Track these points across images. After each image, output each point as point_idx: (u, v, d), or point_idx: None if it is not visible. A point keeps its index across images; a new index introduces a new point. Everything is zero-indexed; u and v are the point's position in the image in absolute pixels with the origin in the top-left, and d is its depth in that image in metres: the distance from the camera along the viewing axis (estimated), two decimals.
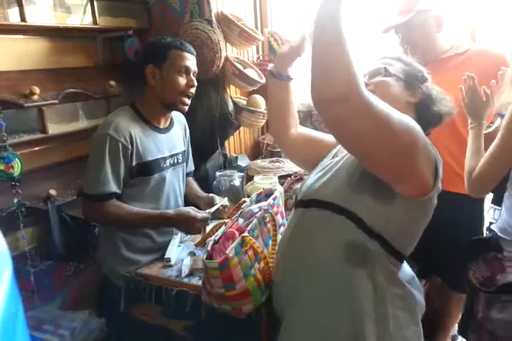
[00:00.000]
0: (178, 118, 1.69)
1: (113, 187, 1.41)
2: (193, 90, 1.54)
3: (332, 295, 0.96)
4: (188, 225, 1.46)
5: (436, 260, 1.36)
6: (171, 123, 1.64)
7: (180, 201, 1.69)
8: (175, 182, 1.64)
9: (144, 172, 1.49)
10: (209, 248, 1.11)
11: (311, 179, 1.09)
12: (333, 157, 1.11)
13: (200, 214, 1.47)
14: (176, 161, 1.62)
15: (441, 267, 1.76)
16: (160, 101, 1.52)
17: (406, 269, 1.07)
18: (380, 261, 0.96)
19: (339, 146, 1.12)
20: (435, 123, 1.10)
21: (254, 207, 1.27)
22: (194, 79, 1.54)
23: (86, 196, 1.45)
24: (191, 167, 1.83)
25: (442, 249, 1.69)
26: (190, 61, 1.53)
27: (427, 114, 1.06)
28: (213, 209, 1.52)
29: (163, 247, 1.56)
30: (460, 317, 1.92)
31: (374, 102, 0.77)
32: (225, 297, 1.08)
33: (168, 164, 1.57)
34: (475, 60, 1.58)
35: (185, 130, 1.75)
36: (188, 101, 1.54)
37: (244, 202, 1.34)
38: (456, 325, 2.07)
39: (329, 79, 0.74)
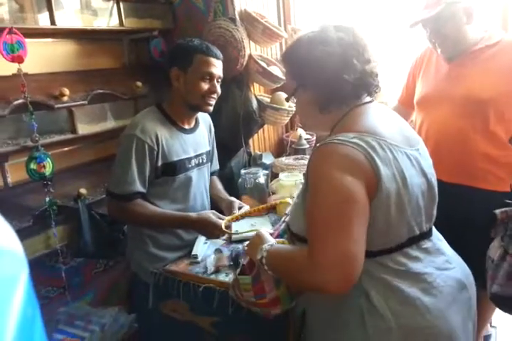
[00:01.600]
0: (202, 117, 1.70)
1: (139, 187, 1.44)
2: (214, 96, 1.53)
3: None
4: (207, 230, 1.47)
5: (466, 259, 1.31)
6: (197, 123, 1.65)
7: (207, 201, 1.70)
8: (201, 182, 1.65)
9: (169, 172, 1.50)
10: (245, 262, 1.10)
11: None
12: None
13: (221, 221, 1.46)
14: (201, 161, 1.63)
15: (471, 266, 1.71)
16: (185, 102, 1.53)
17: (424, 261, 0.97)
18: (367, 272, 0.91)
19: None
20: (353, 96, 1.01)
21: None
22: (217, 85, 1.53)
23: (112, 195, 1.47)
24: (216, 166, 1.83)
25: (474, 247, 1.65)
26: (216, 67, 1.51)
27: (338, 96, 0.99)
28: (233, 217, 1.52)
29: (190, 244, 1.57)
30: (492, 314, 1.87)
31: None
32: (255, 303, 1.09)
33: (193, 164, 1.59)
34: (507, 52, 1.53)
35: (210, 129, 1.76)
36: (212, 101, 1.54)
37: (288, 204, 1.31)
38: (489, 325, 2.02)
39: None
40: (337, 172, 0.87)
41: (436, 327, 0.93)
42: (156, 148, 1.45)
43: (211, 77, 1.50)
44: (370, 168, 0.88)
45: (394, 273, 0.94)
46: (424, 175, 0.99)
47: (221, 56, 1.54)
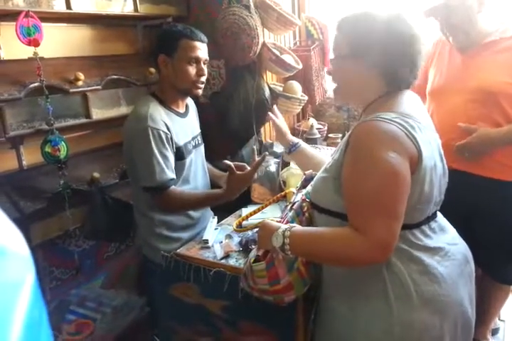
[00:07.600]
0: (189, 100, 1.72)
1: (170, 174, 1.46)
2: (203, 79, 1.56)
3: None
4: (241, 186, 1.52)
5: (478, 249, 1.30)
6: (187, 107, 1.69)
7: (208, 179, 1.75)
8: (200, 162, 1.69)
9: (179, 157, 1.53)
10: (260, 253, 1.11)
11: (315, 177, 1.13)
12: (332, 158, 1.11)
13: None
14: (197, 143, 1.68)
15: (483, 257, 1.70)
16: (174, 88, 1.55)
17: (434, 239, 1.03)
18: None
19: (337, 147, 1.10)
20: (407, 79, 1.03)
21: (299, 196, 1.25)
22: (204, 67, 1.55)
23: (149, 190, 1.48)
24: None
25: (486, 237, 1.64)
26: (201, 50, 1.53)
27: (393, 73, 1.01)
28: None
29: (200, 222, 1.61)
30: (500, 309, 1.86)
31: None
32: (268, 291, 1.10)
33: (191, 147, 1.62)
34: None
35: (196, 113, 1.79)
36: (201, 85, 1.57)
37: (292, 193, 1.32)
38: (497, 319, 2.01)
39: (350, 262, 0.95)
40: (382, 148, 0.90)
41: (450, 296, 1.00)
42: (169, 133, 1.47)
43: (197, 60, 1.52)
44: (413, 146, 0.92)
45: (414, 245, 1.00)
46: (442, 160, 1.05)
47: (206, 39, 1.57)
